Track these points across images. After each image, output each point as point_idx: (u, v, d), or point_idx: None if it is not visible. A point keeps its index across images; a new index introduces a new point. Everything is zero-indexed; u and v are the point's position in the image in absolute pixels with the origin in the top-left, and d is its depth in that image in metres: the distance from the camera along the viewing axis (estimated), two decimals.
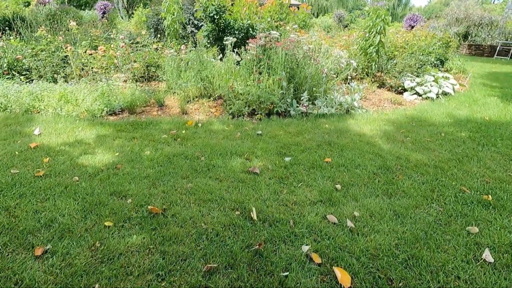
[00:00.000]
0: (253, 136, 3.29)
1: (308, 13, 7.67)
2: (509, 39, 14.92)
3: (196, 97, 4.75)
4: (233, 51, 5.55)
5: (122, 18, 16.61)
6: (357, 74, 6.29)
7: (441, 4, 41.43)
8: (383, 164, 2.70)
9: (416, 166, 2.69)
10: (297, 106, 4.26)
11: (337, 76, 5.30)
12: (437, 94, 5.48)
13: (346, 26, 18.89)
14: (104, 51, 5.17)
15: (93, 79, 5.05)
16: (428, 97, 5.45)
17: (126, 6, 20.77)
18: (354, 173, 2.52)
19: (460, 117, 4.22)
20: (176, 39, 6.60)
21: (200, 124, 3.59)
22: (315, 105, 4.41)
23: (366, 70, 6.28)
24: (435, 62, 7.11)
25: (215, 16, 5.90)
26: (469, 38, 16.03)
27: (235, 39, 5.01)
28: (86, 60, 5.35)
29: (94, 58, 5.25)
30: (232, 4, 6.41)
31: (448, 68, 7.87)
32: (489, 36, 15.61)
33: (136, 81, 5.17)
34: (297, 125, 3.68)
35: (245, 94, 4.32)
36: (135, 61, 5.24)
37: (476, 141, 3.34)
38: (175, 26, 6.39)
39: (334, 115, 4.17)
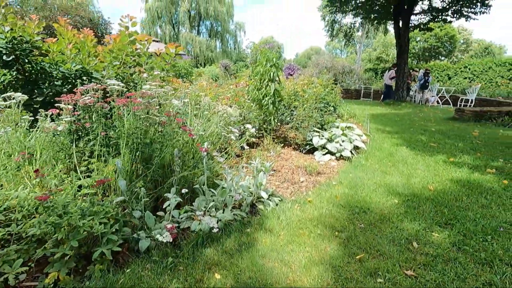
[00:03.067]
0: None
1: (189, 60, 6.03)
2: (367, 84, 17.69)
3: None
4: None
5: None
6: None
7: (305, 57, 51.24)
8: None
9: None
10: (159, 221, 2.11)
11: (225, 148, 3.50)
12: (351, 151, 4.45)
13: (233, 74, 18.79)
14: None
15: None
16: (343, 156, 4.33)
17: None
18: None
19: (402, 191, 3.01)
20: None
21: None
22: (193, 209, 2.37)
23: (264, 126, 4.86)
24: (331, 110, 6.51)
25: (9, 60, 3.34)
26: (338, 84, 18.32)
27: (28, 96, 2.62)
28: None
29: None
30: (56, 39, 3.99)
31: (340, 114, 7.53)
32: (352, 81, 18.28)
33: None
34: None
35: (46, 212, 1.91)
36: None
37: (469, 252, 1.96)
38: None
39: (232, 227, 2.22)
